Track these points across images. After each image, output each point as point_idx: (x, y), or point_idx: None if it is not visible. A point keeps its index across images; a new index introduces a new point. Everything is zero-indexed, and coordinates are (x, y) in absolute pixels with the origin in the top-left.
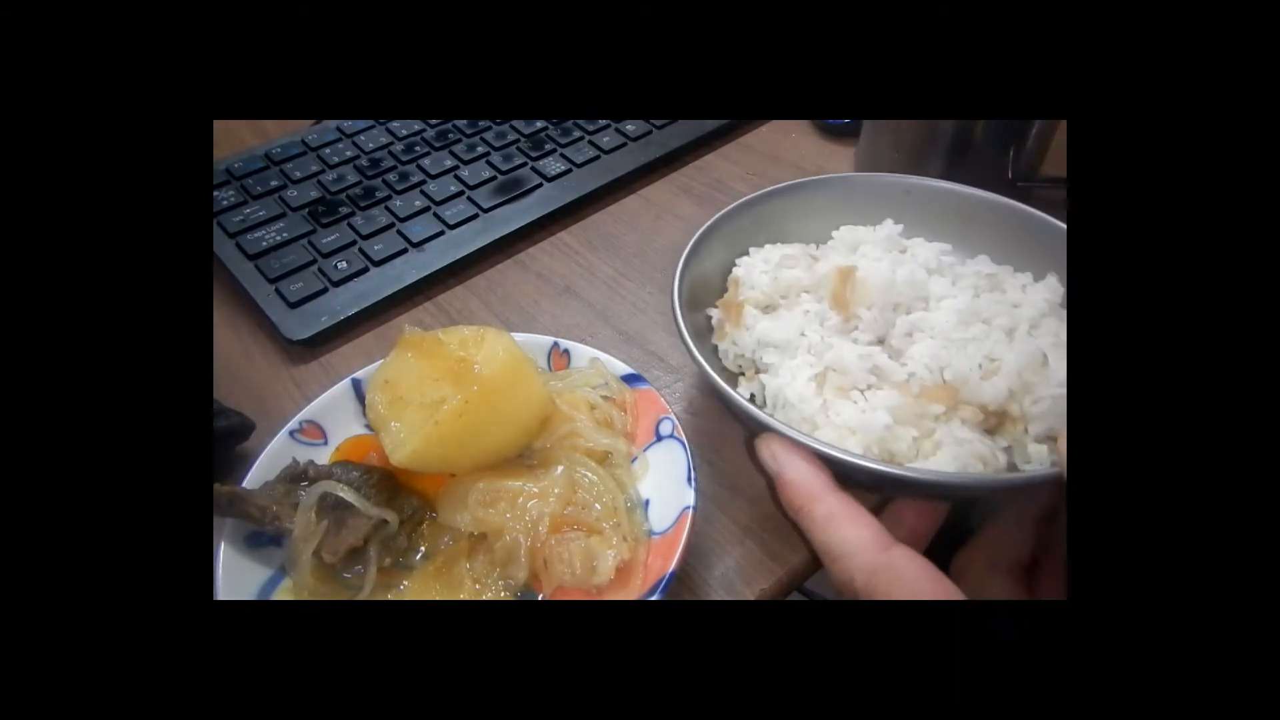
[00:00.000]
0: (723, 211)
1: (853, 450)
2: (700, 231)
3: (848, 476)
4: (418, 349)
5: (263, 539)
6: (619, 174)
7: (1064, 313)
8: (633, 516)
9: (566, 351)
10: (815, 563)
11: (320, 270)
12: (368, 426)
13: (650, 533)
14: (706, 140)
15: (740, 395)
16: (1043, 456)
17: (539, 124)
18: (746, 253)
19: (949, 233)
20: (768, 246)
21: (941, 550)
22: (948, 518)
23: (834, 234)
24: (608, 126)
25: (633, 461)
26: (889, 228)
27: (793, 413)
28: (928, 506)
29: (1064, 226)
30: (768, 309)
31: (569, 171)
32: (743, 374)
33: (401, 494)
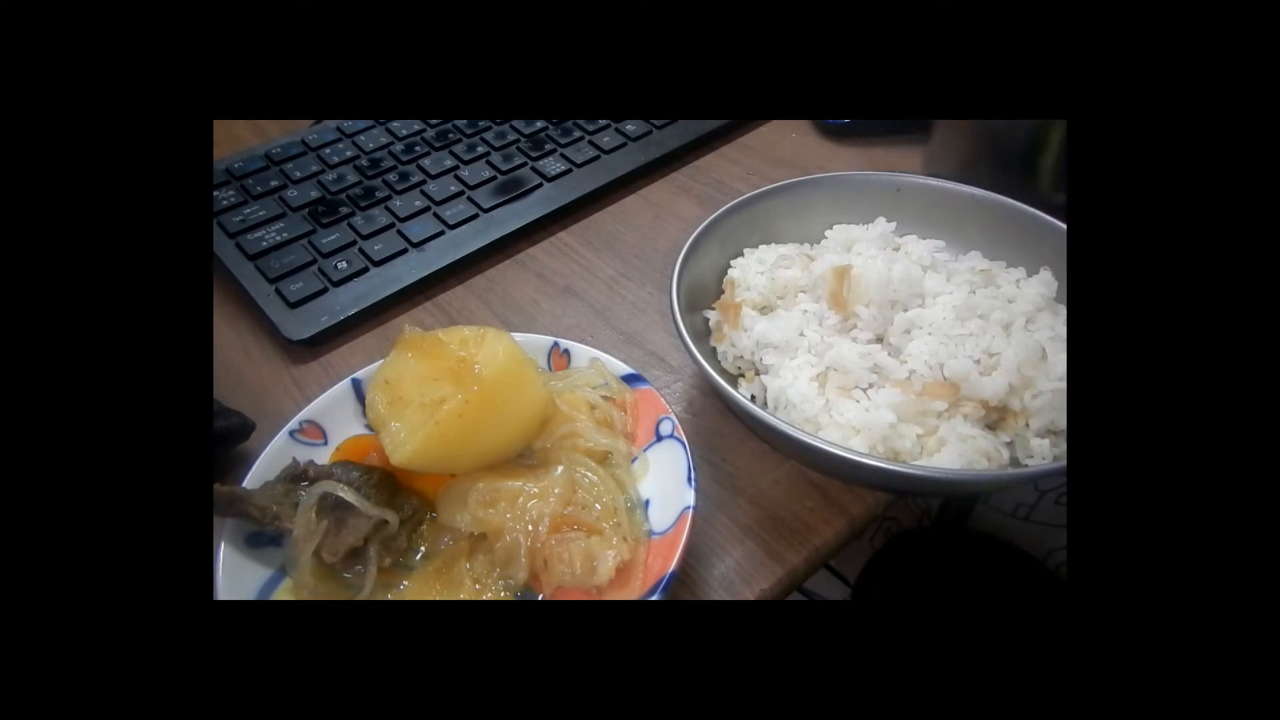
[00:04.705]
0: (716, 214)
1: (858, 449)
2: (695, 234)
3: (855, 476)
4: (418, 349)
5: (263, 539)
6: (619, 174)
7: (1059, 307)
8: (633, 517)
9: (566, 351)
10: (815, 563)
11: (320, 270)
12: (368, 426)
13: (650, 533)
14: (706, 140)
15: (741, 396)
16: (1045, 451)
17: (539, 124)
18: (741, 254)
19: (940, 230)
20: (762, 247)
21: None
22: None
23: (827, 233)
24: (608, 126)
25: (633, 461)
26: (882, 226)
27: (795, 413)
28: None
29: (1055, 222)
30: (765, 310)
31: (569, 171)
32: (742, 375)
33: (401, 494)
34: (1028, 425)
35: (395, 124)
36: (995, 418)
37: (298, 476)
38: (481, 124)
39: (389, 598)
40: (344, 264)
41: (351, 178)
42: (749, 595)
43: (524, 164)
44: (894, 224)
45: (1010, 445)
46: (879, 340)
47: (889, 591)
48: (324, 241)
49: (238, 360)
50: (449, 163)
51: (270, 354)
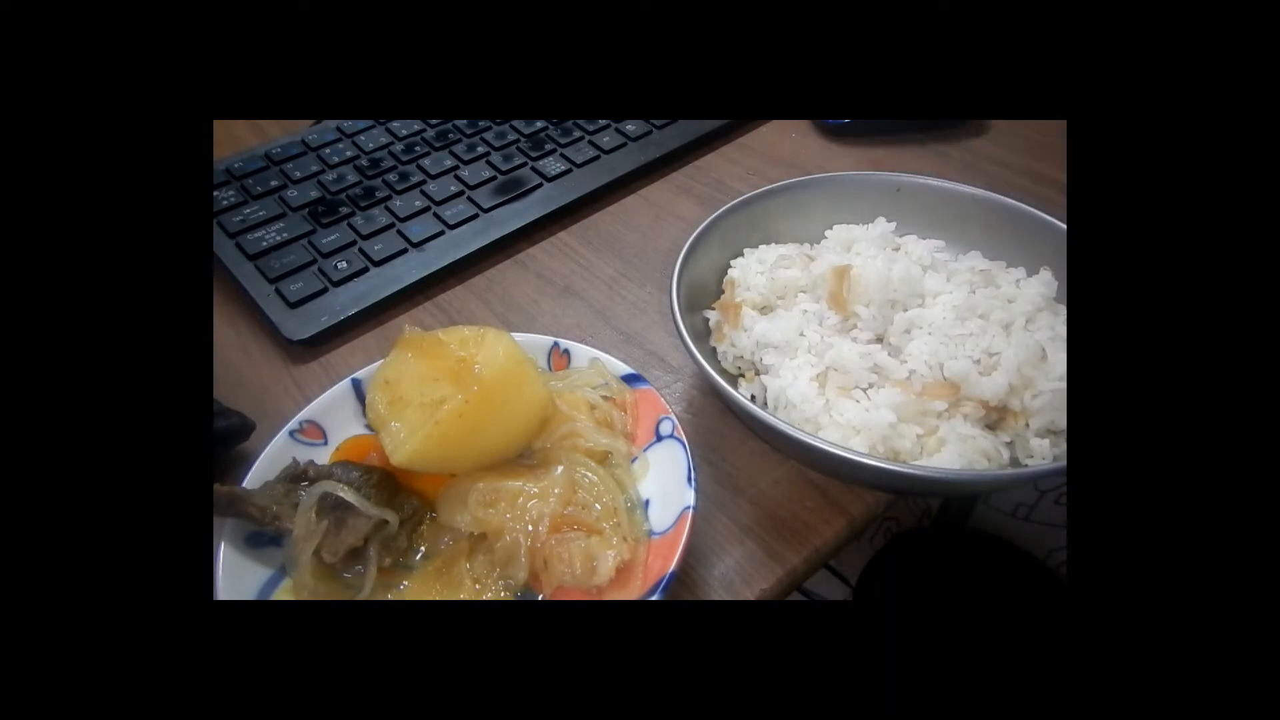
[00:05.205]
0: (716, 214)
1: (858, 449)
2: (694, 234)
3: (855, 476)
4: (418, 349)
5: (263, 539)
6: (619, 174)
7: (1059, 307)
8: (633, 517)
9: (566, 351)
10: (815, 563)
11: (320, 270)
12: (368, 426)
13: (650, 533)
14: (706, 140)
15: (741, 396)
16: (1045, 451)
17: (539, 124)
18: (741, 254)
19: (940, 230)
20: (762, 247)
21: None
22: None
23: (827, 233)
24: (608, 126)
25: (633, 461)
26: (881, 226)
27: (795, 413)
28: None
29: (1055, 222)
30: (765, 310)
31: (569, 171)
32: (742, 375)
33: (401, 494)
34: (1028, 425)
35: (395, 124)
36: (995, 418)
37: (298, 476)
38: (481, 124)
39: (389, 598)
40: (344, 264)
41: (351, 178)
42: (749, 595)
43: (524, 164)
44: (894, 224)
45: (1010, 445)
46: (879, 340)
47: (889, 591)
48: (324, 241)
49: (238, 360)
50: (449, 163)
51: (270, 354)
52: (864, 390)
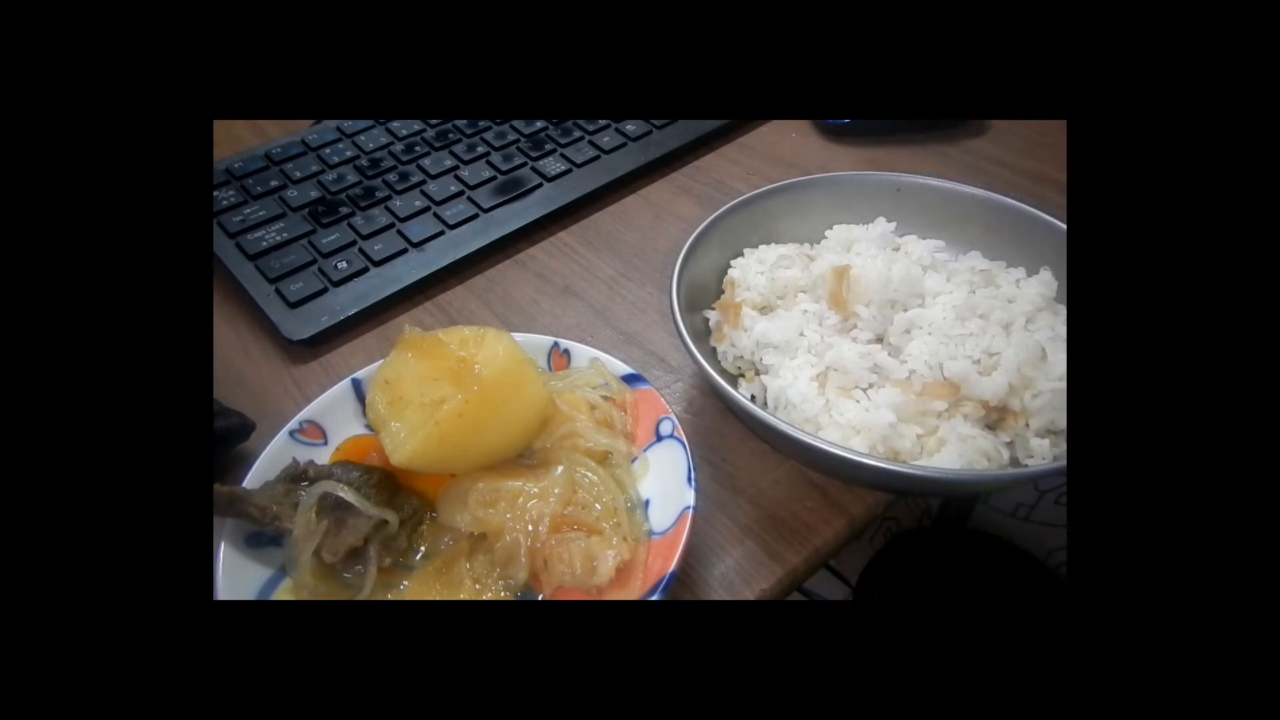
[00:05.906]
0: (716, 214)
1: (858, 449)
2: (695, 234)
3: (855, 476)
4: (418, 349)
5: (263, 539)
6: (619, 174)
7: (1059, 307)
8: (633, 517)
9: (566, 351)
10: (815, 563)
11: (320, 270)
12: (368, 426)
13: (650, 533)
14: (706, 140)
15: (741, 396)
16: (1045, 451)
17: (539, 124)
18: (741, 254)
19: (940, 230)
20: (762, 247)
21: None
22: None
23: (827, 233)
24: (608, 126)
25: (633, 461)
26: (881, 226)
27: (795, 413)
28: None
29: (1055, 222)
30: (765, 310)
31: (569, 171)
32: (742, 375)
33: (401, 494)
34: (1028, 425)
35: (395, 124)
36: (995, 418)
37: (298, 476)
38: (481, 124)
39: (389, 598)
40: (344, 264)
41: (351, 178)
42: (749, 595)
43: (524, 164)
44: (894, 224)
45: (1010, 445)
46: (879, 340)
47: (889, 591)
48: (324, 241)
49: (238, 360)
50: (449, 163)
51: (270, 354)
52: (864, 390)
